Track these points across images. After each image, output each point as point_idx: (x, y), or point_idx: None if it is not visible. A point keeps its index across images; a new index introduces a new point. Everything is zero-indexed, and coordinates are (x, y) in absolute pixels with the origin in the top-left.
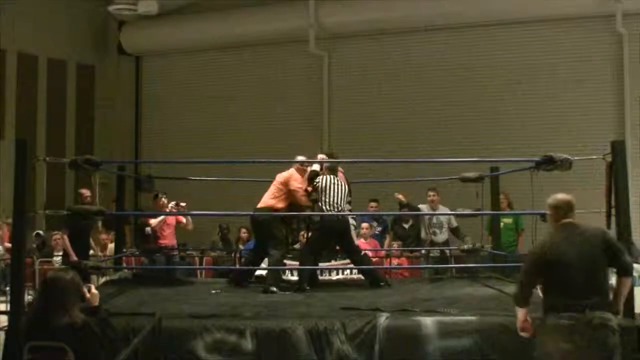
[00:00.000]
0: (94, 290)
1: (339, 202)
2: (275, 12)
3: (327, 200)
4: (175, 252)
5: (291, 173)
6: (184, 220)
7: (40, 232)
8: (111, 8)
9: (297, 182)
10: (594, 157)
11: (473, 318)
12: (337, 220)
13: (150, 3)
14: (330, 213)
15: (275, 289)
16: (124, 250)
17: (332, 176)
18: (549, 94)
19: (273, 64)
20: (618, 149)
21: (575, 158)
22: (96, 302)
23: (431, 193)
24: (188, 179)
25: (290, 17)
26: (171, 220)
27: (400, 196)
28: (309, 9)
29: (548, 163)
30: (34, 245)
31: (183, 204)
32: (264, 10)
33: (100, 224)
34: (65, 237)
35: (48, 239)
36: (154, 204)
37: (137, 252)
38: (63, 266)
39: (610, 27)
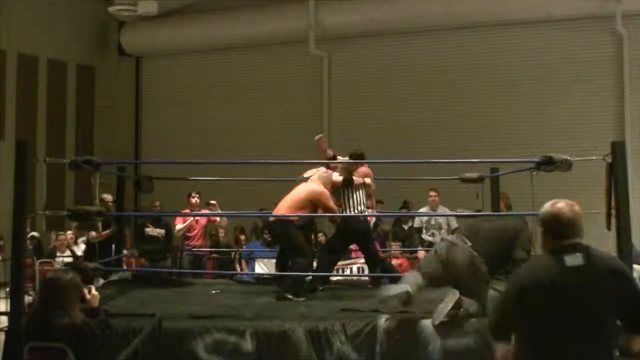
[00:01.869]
0: (94, 291)
1: (362, 203)
2: (275, 13)
3: (349, 203)
4: (179, 252)
5: (322, 190)
6: (217, 219)
7: (35, 233)
8: (111, 9)
9: (329, 200)
10: (594, 157)
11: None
12: (360, 222)
13: (150, 4)
14: (352, 215)
15: (290, 296)
16: (124, 251)
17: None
18: (549, 94)
19: (273, 64)
20: (618, 150)
21: (575, 159)
22: (96, 304)
23: (432, 193)
24: (188, 180)
25: (290, 18)
26: (202, 220)
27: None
28: (308, 10)
29: (548, 164)
30: (30, 247)
31: (213, 202)
32: (264, 11)
33: (99, 225)
34: (95, 233)
35: (44, 240)
36: (186, 202)
37: (136, 253)
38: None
39: (610, 27)
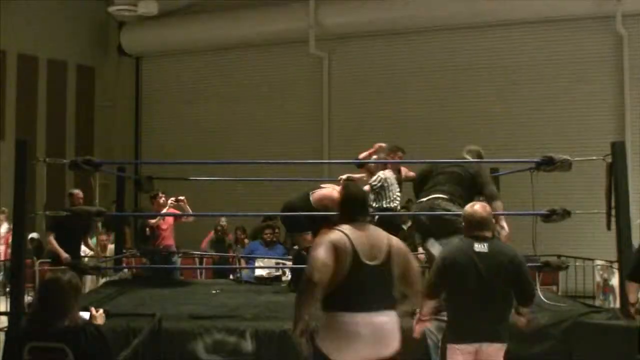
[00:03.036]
0: (101, 311)
1: (395, 199)
2: (275, 13)
3: (391, 196)
4: (176, 253)
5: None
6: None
7: (35, 235)
8: (111, 9)
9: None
10: (594, 157)
11: None
12: (394, 216)
13: (150, 4)
14: (392, 213)
15: None
16: (124, 251)
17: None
18: (549, 94)
19: (273, 64)
20: (618, 150)
21: (575, 159)
22: (102, 323)
23: None
24: (188, 180)
25: (290, 18)
26: (170, 219)
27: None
28: (309, 10)
29: (548, 164)
30: (30, 248)
31: (182, 198)
32: (264, 11)
33: (100, 225)
34: (52, 238)
35: (44, 241)
36: (153, 203)
37: (137, 253)
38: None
39: (610, 28)
